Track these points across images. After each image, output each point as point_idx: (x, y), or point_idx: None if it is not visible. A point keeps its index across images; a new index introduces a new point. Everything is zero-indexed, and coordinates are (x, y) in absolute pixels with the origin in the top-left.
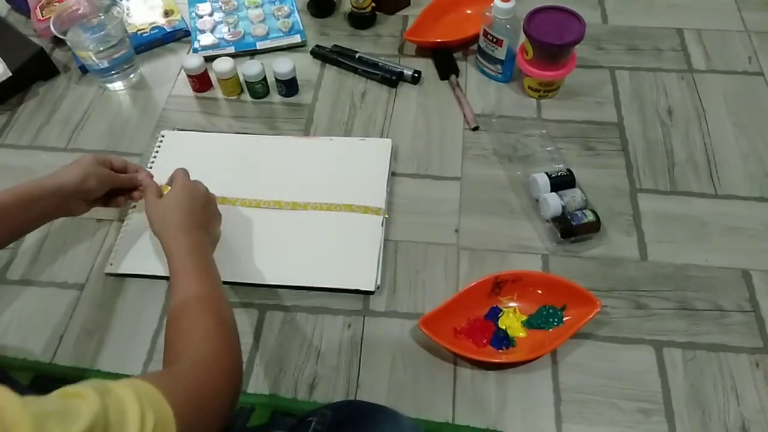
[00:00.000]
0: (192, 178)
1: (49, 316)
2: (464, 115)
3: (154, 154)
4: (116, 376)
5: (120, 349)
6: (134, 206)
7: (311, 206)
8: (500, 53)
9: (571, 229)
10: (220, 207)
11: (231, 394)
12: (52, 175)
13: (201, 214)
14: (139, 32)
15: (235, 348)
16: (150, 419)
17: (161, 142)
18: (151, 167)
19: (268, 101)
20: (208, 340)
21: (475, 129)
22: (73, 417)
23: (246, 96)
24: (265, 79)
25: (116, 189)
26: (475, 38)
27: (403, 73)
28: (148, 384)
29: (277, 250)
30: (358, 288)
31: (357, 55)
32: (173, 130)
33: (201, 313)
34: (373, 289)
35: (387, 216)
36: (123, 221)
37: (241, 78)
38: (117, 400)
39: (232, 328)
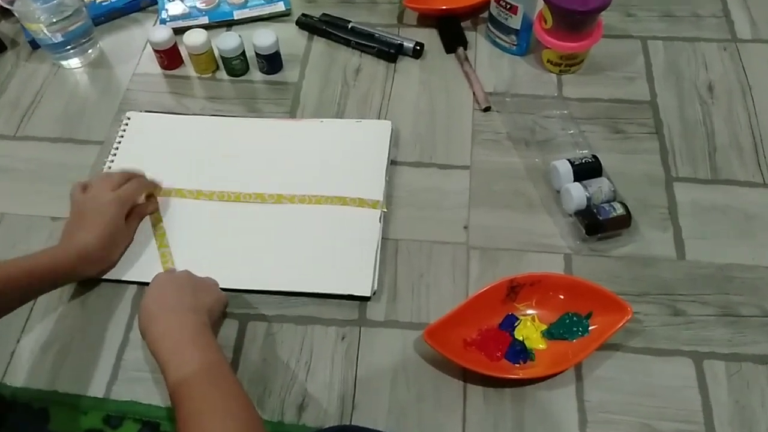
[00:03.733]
0: (162, 166)
1: None
2: (474, 94)
3: (118, 140)
4: (77, 399)
5: (81, 367)
6: None
7: (298, 199)
8: (515, 22)
9: (597, 224)
10: (193, 202)
11: None
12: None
13: (191, 298)
14: (98, 1)
15: (259, 424)
16: None
17: (126, 125)
18: (114, 155)
19: (247, 79)
20: (229, 417)
21: (487, 110)
22: None
23: (222, 73)
24: (243, 53)
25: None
26: (485, 5)
27: (402, 45)
28: None
29: (260, 250)
30: (352, 293)
31: (350, 26)
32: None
33: (212, 387)
34: (369, 294)
35: (386, 210)
36: None
37: (216, 53)
38: None
39: (249, 401)
